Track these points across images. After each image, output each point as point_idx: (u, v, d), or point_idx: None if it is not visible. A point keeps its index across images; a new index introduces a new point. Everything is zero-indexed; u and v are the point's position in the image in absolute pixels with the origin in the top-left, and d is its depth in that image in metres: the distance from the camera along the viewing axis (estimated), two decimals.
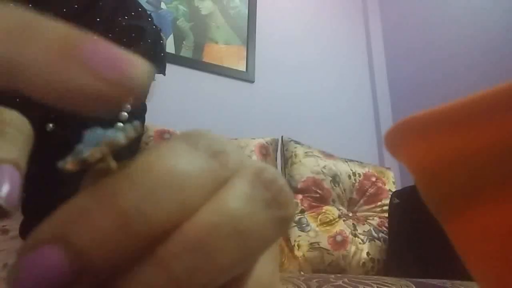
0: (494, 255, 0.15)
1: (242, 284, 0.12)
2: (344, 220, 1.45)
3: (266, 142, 1.54)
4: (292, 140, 1.63)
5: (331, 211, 1.46)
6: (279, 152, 1.62)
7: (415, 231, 1.24)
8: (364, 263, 1.37)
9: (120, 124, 0.11)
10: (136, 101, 0.11)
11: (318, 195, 1.47)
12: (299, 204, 1.44)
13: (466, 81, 1.73)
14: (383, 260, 1.38)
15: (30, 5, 0.41)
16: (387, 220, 1.44)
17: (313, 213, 1.44)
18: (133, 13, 0.49)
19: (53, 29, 0.10)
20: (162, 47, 0.53)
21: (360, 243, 1.40)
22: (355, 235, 1.41)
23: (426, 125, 0.16)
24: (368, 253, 1.38)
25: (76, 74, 0.10)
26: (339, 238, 1.38)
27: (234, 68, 1.87)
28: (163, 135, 1.39)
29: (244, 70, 1.89)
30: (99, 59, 0.10)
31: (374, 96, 2.20)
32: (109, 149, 0.11)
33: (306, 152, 1.57)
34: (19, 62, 0.10)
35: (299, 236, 1.38)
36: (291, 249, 1.37)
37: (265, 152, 1.51)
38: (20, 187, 0.12)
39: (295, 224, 1.40)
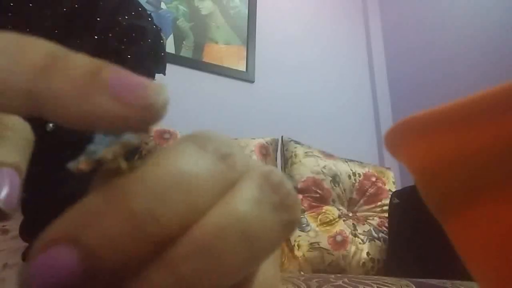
0: (494, 255, 0.15)
1: (248, 286, 0.13)
2: (344, 220, 1.45)
3: (266, 142, 1.54)
4: (292, 140, 1.63)
5: (331, 211, 1.46)
6: (279, 152, 1.62)
7: (415, 231, 1.24)
8: (364, 263, 1.37)
9: None
10: (153, 123, 0.11)
11: (318, 195, 1.47)
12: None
13: (466, 81, 1.73)
14: (383, 260, 1.38)
15: (31, 4, 0.41)
16: (387, 220, 1.44)
17: (313, 213, 1.44)
18: (133, 13, 0.49)
19: (78, 61, 0.11)
20: (162, 47, 0.53)
21: (360, 243, 1.40)
22: (355, 235, 1.41)
23: (426, 125, 0.16)
24: (368, 253, 1.38)
25: (101, 100, 0.10)
26: (339, 238, 1.38)
27: (234, 68, 1.87)
28: (163, 135, 1.39)
29: (244, 70, 1.89)
30: (122, 86, 0.11)
31: (374, 96, 2.20)
32: (122, 150, 0.11)
33: (306, 152, 1.57)
34: (47, 95, 0.10)
35: (299, 236, 1.38)
36: (291, 249, 1.37)
37: (265, 152, 1.51)
38: (20, 190, 0.12)
39: None
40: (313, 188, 1.48)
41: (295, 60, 2.05)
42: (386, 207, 1.47)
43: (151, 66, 0.50)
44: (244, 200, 0.11)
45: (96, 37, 0.44)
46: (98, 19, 0.45)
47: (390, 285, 0.75)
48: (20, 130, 0.14)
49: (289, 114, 1.90)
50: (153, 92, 0.11)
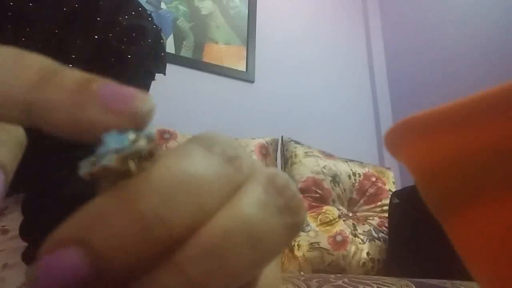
0: (494, 255, 0.15)
1: (253, 287, 0.13)
2: (344, 220, 1.45)
3: (266, 142, 1.54)
4: (292, 140, 1.63)
5: (331, 211, 1.46)
6: (279, 152, 1.62)
7: (415, 231, 1.24)
8: (364, 263, 1.37)
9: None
10: (142, 128, 0.12)
11: (318, 195, 1.47)
12: None
13: (466, 81, 1.73)
14: (383, 260, 1.38)
15: (31, 4, 0.41)
16: (387, 220, 1.44)
17: (313, 213, 1.44)
18: (133, 13, 0.49)
19: (70, 75, 0.12)
20: (163, 47, 0.53)
21: (360, 243, 1.40)
22: (355, 235, 1.41)
23: (426, 125, 0.16)
24: (368, 253, 1.38)
25: (92, 110, 0.11)
26: (339, 238, 1.38)
27: (234, 68, 1.87)
28: (163, 135, 1.39)
29: (244, 70, 1.89)
30: (111, 97, 0.11)
31: (374, 96, 2.20)
32: (134, 155, 0.11)
33: (306, 152, 1.57)
34: (43, 106, 0.11)
35: (299, 236, 1.38)
36: (291, 249, 1.37)
37: (265, 152, 1.51)
38: (4, 189, 0.12)
39: None
40: (313, 188, 1.48)
41: (295, 60, 2.05)
42: (386, 207, 1.47)
43: (151, 66, 0.50)
44: (250, 203, 0.12)
45: (96, 37, 0.44)
46: (98, 19, 0.45)
47: (390, 285, 0.75)
48: (10, 129, 0.14)
49: (289, 114, 1.90)
50: (140, 101, 0.11)
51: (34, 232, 0.39)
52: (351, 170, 1.58)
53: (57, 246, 0.10)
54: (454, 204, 0.16)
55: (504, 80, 0.14)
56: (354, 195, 1.54)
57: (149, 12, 0.52)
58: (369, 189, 1.56)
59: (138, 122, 0.11)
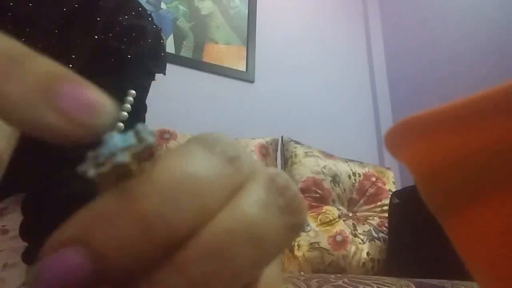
0: (494, 255, 0.15)
1: (254, 287, 0.13)
2: (344, 220, 1.45)
3: (266, 142, 1.53)
4: (292, 140, 1.63)
5: (331, 211, 1.46)
6: (279, 152, 1.62)
7: (415, 231, 1.24)
8: (364, 263, 1.37)
9: (138, 128, 0.11)
10: (95, 137, 0.11)
11: (318, 195, 1.47)
12: None
13: (466, 81, 1.73)
14: (383, 260, 1.38)
15: (31, 4, 0.41)
16: (387, 220, 1.44)
17: (313, 213, 1.44)
18: (133, 13, 0.49)
19: (37, 68, 0.11)
20: (163, 47, 0.53)
21: (360, 243, 1.40)
22: (355, 235, 1.41)
23: (426, 125, 0.16)
24: (368, 253, 1.38)
25: (48, 113, 0.10)
26: (339, 238, 1.38)
27: (234, 68, 1.87)
28: (163, 135, 1.39)
29: (244, 70, 1.89)
30: (71, 102, 0.10)
31: (374, 96, 2.20)
32: (145, 151, 0.11)
33: (306, 152, 1.57)
34: (1, 99, 0.10)
35: (299, 236, 1.38)
36: (291, 249, 1.37)
37: (265, 152, 1.51)
38: (0, 177, 0.12)
39: None
40: (313, 188, 1.48)
41: (295, 60, 2.05)
42: (386, 207, 1.47)
43: (151, 66, 0.50)
44: (251, 203, 0.12)
45: (96, 37, 0.44)
46: (98, 19, 0.45)
47: (390, 285, 0.75)
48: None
49: (289, 114, 1.90)
50: (102, 113, 0.11)
51: (34, 232, 0.39)
52: (351, 170, 1.58)
53: (58, 246, 0.10)
54: (454, 204, 0.16)
55: (504, 80, 0.14)
56: (354, 195, 1.54)
57: (149, 12, 0.52)
58: (369, 189, 1.55)
59: (94, 134, 0.11)
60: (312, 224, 1.41)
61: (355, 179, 1.56)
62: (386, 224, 1.44)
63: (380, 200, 1.54)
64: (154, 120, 1.28)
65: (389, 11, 2.34)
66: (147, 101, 0.49)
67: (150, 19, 0.51)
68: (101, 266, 0.10)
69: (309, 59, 2.09)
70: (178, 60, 1.73)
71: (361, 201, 1.54)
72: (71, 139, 0.11)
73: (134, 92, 0.26)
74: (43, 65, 0.11)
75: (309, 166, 1.52)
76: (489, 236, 0.15)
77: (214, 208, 0.11)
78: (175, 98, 1.64)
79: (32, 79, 0.10)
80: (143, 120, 0.54)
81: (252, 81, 1.90)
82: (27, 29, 0.39)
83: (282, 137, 1.65)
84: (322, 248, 1.36)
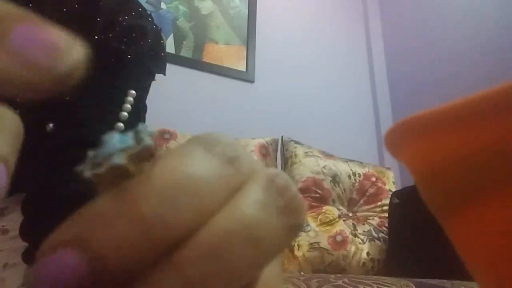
0: (494, 255, 0.15)
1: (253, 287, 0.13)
2: (344, 220, 1.45)
3: (266, 142, 1.53)
4: (292, 140, 1.63)
5: (331, 211, 1.46)
6: (279, 152, 1.62)
7: (415, 231, 1.24)
8: (364, 263, 1.37)
9: (138, 129, 0.11)
10: (64, 89, 0.10)
11: (318, 195, 1.47)
12: None
13: (466, 81, 1.73)
14: (383, 260, 1.38)
15: (30, 4, 0.41)
16: (387, 220, 1.44)
17: (313, 213, 1.44)
18: (133, 13, 0.49)
19: None
20: (163, 47, 0.53)
21: (360, 243, 1.40)
22: (355, 235, 1.41)
23: (426, 125, 0.16)
24: (368, 253, 1.38)
25: (2, 56, 0.09)
26: (339, 238, 1.38)
27: (234, 68, 1.87)
28: (163, 135, 1.39)
29: (244, 70, 1.89)
30: (27, 42, 0.09)
31: (374, 96, 2.20)
32: (143, 152, 0.11)
33: (306, 152, 1.57)
34: None
35: (299, 236, 1.38)
36: (291, 249, 1.37)
37: (265, 152, 1.51)
38: (7, 183, 0.12)
39: None
40: (313, 188, 1.48)
41: (295, 60, 2.05)
42: (386, 207, 1.47)
43: (151, 66, 0.50)
44: (250, 203, 0.11)
45: (96, 37, 0.44)
46: (98, 19, 0.45)
47: (390, 285, 0.75)
48: (7, 121, 0.13)
49: (289, 114, 1.90)
50: (63, 53, 0.09)
51: (34, 232, 0.39)
52: (351, 170, 1.58)
53: (56, 247, 0.10)
54: (454, 204, 0.16)
55: (504, 80, 0.14)
56: (354, 195, 1.54)
57: (149, 12, 0.52)
58: (369, 189, 1.55)
59: (57, 79, 0.10)
60: (312, 224, 1.41)
61: (355, 179, 1.56)
62: (386, 224, 1.44)
63: (380, 200, 1.54)
64: (154, 120, 1.28)
65: (389, 11, 2.34)
66: (147, 101, 0.49)
67: (150, 19, 0.51)
68: (99, 266, 0.10)
69: (309, 59, 2.09)
70: (178, 60, 1.73)
71: (361, 201, 1.54)
72: (34, 90, 0.09)
73: (134, 92, 0.26)
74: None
75: (309, 166, 1.52)
76: (489, 236, 0.16)
77: (213, 209, 0.11)
78: (175, 98, 1.64)
79: None
80: (143, 120, 0.54)
81: (252, 81, 1.90)
82: None
83: (282, 137, 1.65)
84: (322, 248, 1.36)
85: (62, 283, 0.09)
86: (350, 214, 1.51)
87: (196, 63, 1.79)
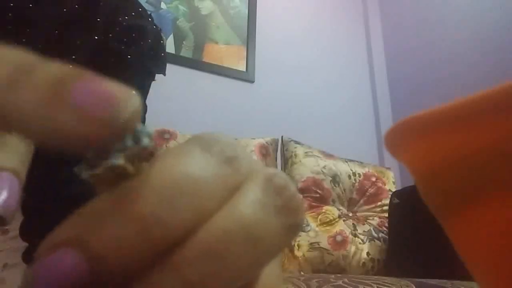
0: (494, 255, 0.15)
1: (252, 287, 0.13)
2: (344, 220, 1.45)
3: (266, 142, 1.54)
4: (292, 140, 1.63)
5: (331, 211, 1.46)
6: (279, 152, 1.62)
7: (415, 231, 1.24)
8: (364, 263, 1.37)
9: (137, 129, 0.11)
10: (128, 135, 0.10)
11: (318, 195, 1.47)
12: None
13: (466, 81, 1.73)
14: (383, 260, 1.38)
15: (31, 5, 0.41)
16: (387, 220, 1.44)
17: (313, 213, 1.44)
18: (133, 13, 0.49)
19: (46, 71, 0.10)
20: (163, 47, 0.53)
21: (360, 243, 1.40)
22: (355, 235, 1.41)
23: (426, 125, 0.16)
24: (368, 253, 1.38)
25: (63, 115, 0.09)
26: (339, 238, 1.38)
27: (234, 68, 1.87)
28: (163, 135, 1.39)
29: (244, 70, 1.89)
30: (87, 98, 0.09)
31: (374, 96, 2.20)
32: (141, 153, 0.11)
33: (306, 152, 1.57)
34: (12, 109, 0.09)
35: (299, 236, 1.38)
36: (291, 249, 1.37)
37: (265, 152, 1.51)
38: (19, 196, 0.12)
39: None
40: (313, 188, 1.48)
41: (295, 60, 2.05)
42: (386, 207, 1.47)
43: (151, 66, 0.50)
44: (248, 203, 0.11)
45: (96, 37, 0.44)
46: (98, 19, 0.45)
47: (390, 285, 0.75)
48: (20, 136, 0.13)
49: (289, 114, 1.90)
50: (121, 102, 0.10)
51: (34, 232, 0.39)
52: (351, 170, 1.58)
53: (54, 248, 0.10)
54: (454, 204, 0.16)
55: (504, 80, 0.14)
56: (354, 195, 1.54)
57: (149, 12, 0.52)
58: (369, 189, 1.55)
59: (119, 129, 0.10)
60: (312, 224, 1.41)
61: (355, 179, 1.56)
62: (386, 224, 1.44)
63: (380, 200, 1.54)
64: (154, 120, 1.28)
65: (389, 11, 2.34)
66: (147, 101, 0.50)
67: (150, 19, 0.51)
68: (98, 267, 0.10)
69: (309, 59, 2.09)
70: (178, 60, 1.73)
71: (361, 201, 1.54)
72: (93, 141, 0.10)
73: (134, 92, 0.26)
74: (52, 69, 0.10)
75: (309, 166, 1.52)
76: (489, 236, 0.16)
77: (211, 209, 0.11)
78: (175, 98, 1.64)
79: (42, 84, 0.10)
80: (143, 120, 0.54)
81: (252, 81, 1.90)
82: (27, 30, 0.39)
83: (282, 137, 1.65)
84: (322, 248, 1.36)
85: (61, 283, 0.09)
86: (350, 214, 1.51)
87: (196, 63, 1.79)
